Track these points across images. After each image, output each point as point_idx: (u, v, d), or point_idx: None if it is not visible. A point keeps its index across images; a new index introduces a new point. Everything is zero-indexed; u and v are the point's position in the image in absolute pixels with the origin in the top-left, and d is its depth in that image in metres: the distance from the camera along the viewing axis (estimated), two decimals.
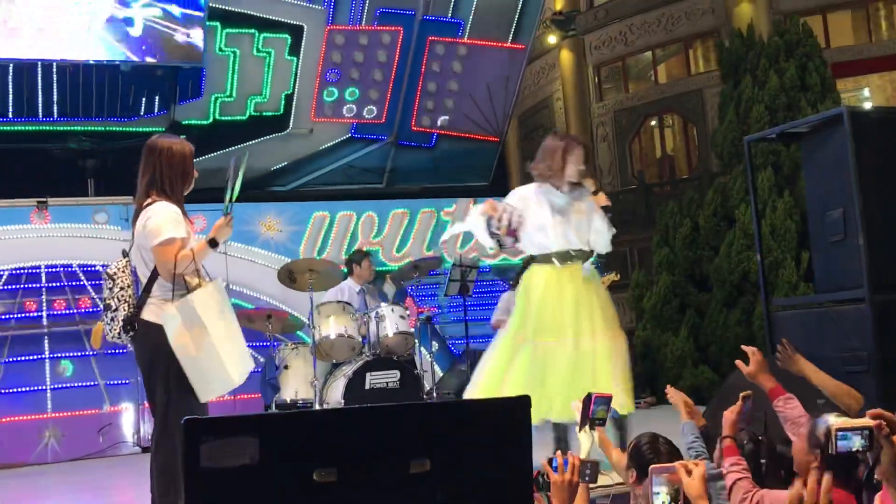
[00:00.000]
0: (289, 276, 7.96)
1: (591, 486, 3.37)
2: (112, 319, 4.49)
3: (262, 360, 8.41)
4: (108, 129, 10.64)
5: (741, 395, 3.75)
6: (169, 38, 10.10)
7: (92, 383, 8.85)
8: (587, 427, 3.76)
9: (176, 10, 10.11)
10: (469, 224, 5.81)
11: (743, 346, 4.26)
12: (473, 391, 5.61)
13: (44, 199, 8.95)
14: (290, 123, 11.45)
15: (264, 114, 11.30)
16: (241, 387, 7.75)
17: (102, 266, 8.47)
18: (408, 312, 8.22)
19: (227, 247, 8.85)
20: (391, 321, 7.93)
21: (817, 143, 6.32)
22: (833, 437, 2.72)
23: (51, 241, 8.93)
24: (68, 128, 10.52)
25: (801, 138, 6.63)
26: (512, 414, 2.03)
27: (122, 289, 4.50)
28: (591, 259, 5.84)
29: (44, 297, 8.85)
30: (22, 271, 8.81)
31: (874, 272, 5.66)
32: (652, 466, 2.94)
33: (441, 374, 9.55)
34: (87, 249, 8.97)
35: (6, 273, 8.76)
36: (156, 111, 10.80)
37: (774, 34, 11.32)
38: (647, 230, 14.95)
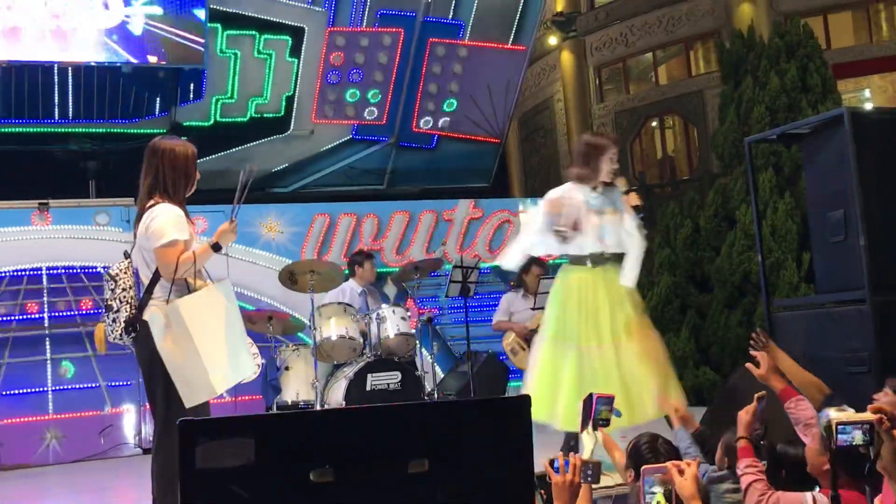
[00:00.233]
0: (290, 278, 7.96)
1: (594, 486, 3.38)
2: (114, 321, 4.49)
3: (263, 361, 8.41)
4: (109, 130, 10.65)
5: (756, 395, 3.74)
6: (170, 39, 10.10)
7: (93, 385, 8.85)
8: (590, 428, 3.76)
9: (177, 12, 10.11)
10: (532, 232, 5.74)
11: (752, 351, 4.26)
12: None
13: (45, 201, 8.95)
14: (291, 125, 11.45)
15: (265, 115, 11.31)
16: (241, 388, 7.78)
17: (104, 267, 8.48)
18: (409, 314, 8.22)
19: (229, 248, 8.82)
20: (392, 322, 7.94)
21: (818, 144, 6.32)
22: (834, 431, 2.74)
23: (52, 242, 8.93)
24: (70, 129, 10.54)
25: (801, 139, 6.63)
26: (512, 414, 2.02)
27: (123, 290, 4.50)
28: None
29: (45, 298, 8.85)
30: (23, 273, 8.81)
31: (875, 273, 5.66)
32: (644, 467, 2.94)
33: (442, 376, 9.55)
34: (88, 251, 8.97)
35: (7, 275, 8.76)
36: (157, 113, 10.81)
37: (775, 35, 11.32)
38: (648, 231, 14.93)
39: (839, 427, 2.74)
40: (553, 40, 21.34)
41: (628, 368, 5.48)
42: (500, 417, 2.02)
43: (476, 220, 10.62)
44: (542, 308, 8.80)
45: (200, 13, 10.19)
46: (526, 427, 2.02)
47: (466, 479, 1.90)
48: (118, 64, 10.08)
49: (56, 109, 10.36)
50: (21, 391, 8.67)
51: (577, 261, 5.72)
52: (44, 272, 8.88)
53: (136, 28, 10.00)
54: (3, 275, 8.76)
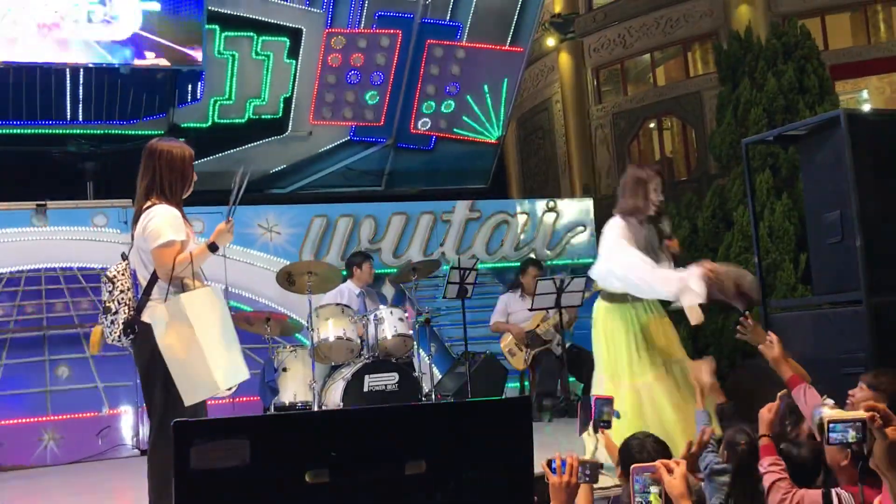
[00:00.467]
0: (287, 279, 7.97)
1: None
2: (112, 322, 4.50)
3: (260, 362, 8.41)
4: (107, 132, 10.65)
5: (779, 394, 3.73)
6: (168, 41, 10.10)
7: (91, 386, 8.85)
8: (591, 430, 3.77)
9: (175, 13, 10.12)
10: (694, 288, 5.57)
11: (760, 347, 4.27)
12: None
13: (43, 202, 8.95)
14: (289, 126, 11.46)
15: (263, 117, 11.31)
16: (239, 389, 7.77)
17: (102, 269, 8.45)
18: (406, 315, 8.23)
19: (226, 249, 8.85)
20: (390, 323, 7.94)
21: (815, 146, 6.34)
22: (826, 428, 2.74)
23: (50, 243, 8.92)
24: (68, 131, 10.54)
25: (798, 140, 6.65)
26: (512, 416, 2.02)
27: (121, 292, 4.50)
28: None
29: (43, 299, 8.85)
30: (21, 274, 8.81)
31: (871, 274, 5.68)
32: (633, 465, 2.94)
33: (440, 377, 9.55)
34: (86, 252, 8.96)
35: (5, 276, 8.76)
36: (155, 114, 10.81)
37: (772, 36, 11.32)
38: None
39: (831, 425, 2.74)
40: (551, 42, 21.34)
41: (681, 392, 5.50)
42: (500, 419, 2.00)
43: (474, 221, 10.63)
44: (540, 309, 8.88)
45: (198, 15, 10.19)
46: (526, 429, 2.01)
47: (464, 482, 1.89)
48: (116, 65, 10.08)
49: (54, 111, 10.36)
50: (18, 392, 8.67)
51: (621, 298, 5.69)
52: (41, 273, 8.87)
53: (135, 30, 10.00)
54: (1, 276, 8.76)
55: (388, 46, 11.59)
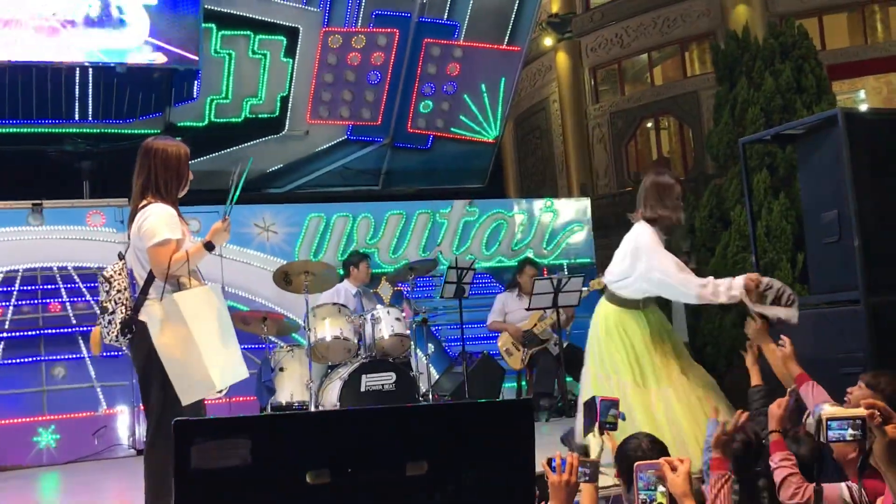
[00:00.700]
0: (284, 279, 7.95)
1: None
2: (109, 322, 4.48)
3: (257, 362, 8.40)
4: (103, 131, 10.62)
5: (788, 389, 3.73)
6: (164, 40, 10.08)
7: (87, 385, 8.83)
8: (596, 431, 3.75)
9: (171, 12, 10.10)
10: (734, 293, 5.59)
11: (772, 346, 4.30)
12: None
13: (39, 202, 8.93)
14: (286, 125, 11.44)
15: (260, 116, 11.29)
16: (236, 389, 7.76)
17: (98, 268, 8.44)
18: (403, 314, 8.22)
19: (223, 249, 8.83)
20: (387, 323, 7.93)
21: (812, 145, 6.33)
22: (824, 426, 2.73)
23: (46, 243, 8.90)
24: (64, 130, 10.51)
25: (796, 140, 6.64)
26: (513, 418, 2.01)
27: (118, 291, 4.49)
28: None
29: (39, 299, 8.83)
30: (17, 273, 8.79)
31: (869, 273, 5.67)
32: (637, 463, 2.94)
33: (437, 377, 9.54)
34: (82, 251, 8.94)
35: (1, 275, 8.74)
36: (151, 113, 10.78)
37: (770, 36, 11.33)
38: None
39: (829, 422, 2.73)
40: (548, 41, 21.35)
41: (699, 401, 5.49)
42: (502, 420, 2.00)
43: (471, 220, 10.61)
44: (537, 309, 8.87)
45: (195, 13, 10.17)
46: (527, 431, 2.00)
47: (466, 483, 1.88)
48: (112, 64, 10.05)
49: (50, 110, 10.34)
50: (15, 392, 8.64)
51: (633, 304, 5.68)
52: (38, 273, 8.85)
53: (131, 28, 9.98)
54: None
55: (385, 45, 11.58)
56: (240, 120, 11.21)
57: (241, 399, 8.41)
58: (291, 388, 7.83)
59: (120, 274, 4.53)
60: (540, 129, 22.76)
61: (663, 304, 6.10)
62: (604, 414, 3.77)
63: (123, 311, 4.45)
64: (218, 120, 11.07)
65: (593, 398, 3.82)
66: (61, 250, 8.92)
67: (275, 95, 11.31)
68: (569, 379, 8.99)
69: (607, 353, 5.71)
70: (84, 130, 10.60)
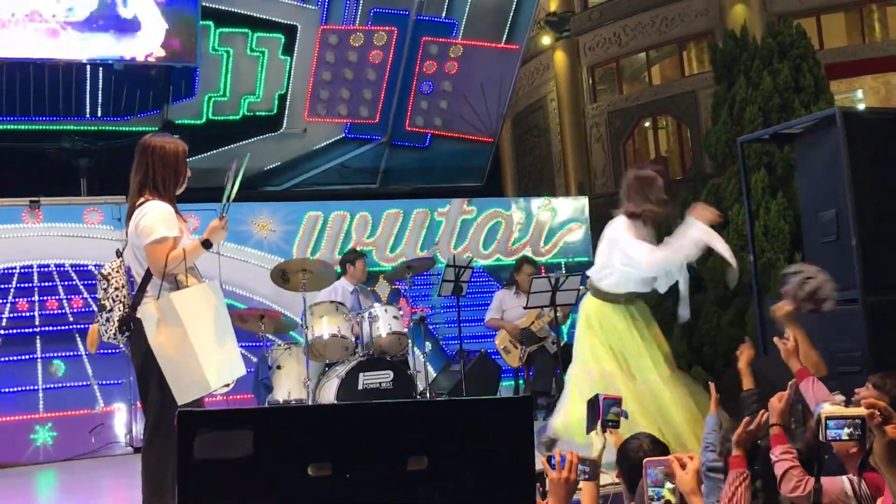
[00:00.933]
0: (282, 276, 7.94)
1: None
2: (107, 320, 4.48)
3: (254, 360, 8.40)
4: (100, 128, 10.62)
5: (789, 383, 3.73)
6: (162, 37, 10.07)
7: (84, 383, 8.82)
8: (598, 429, 3.75)
9: (169, 10, 10.08)
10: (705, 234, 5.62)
11: (776, 340, 4.28)
12: None
13: (36, 199, 8.92)
14: (284, 123, 11.44)
15: (258, 113, 11.28)
16: (233, 387, 7.73)
17: (95, 266, 8.46)
18: (401, 313, 8.21)
19: (220, 247, 8.80)
20: (384, 321, 7.92)
21: (811, 144, 6.33)
22: (823, 425, 2.72)
23: (43, 240, 8.89)
24: (61, 127, 10.50)
25: (794, 139, 6.64)
26: (513, 414, 2.02)
27: (116, 289, 4.48)
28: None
29: (36, 296, 8.82)
30: (14, 271, 8.78)
31: (867, 273, 5.67)
32: (646, 459, 2.93)
33: (434, 375, 9.53)
34: (79, 249, 8.93)
35: None
36: (149, 111, 10.78)
37: (768, 35, 11.33)
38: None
39: (829, 421, 2.73)
40: (546, 40, 21.34)
41: (685, 395, 5.50)
42: (502, 417, 2.01)
43: (469, 219, 10.61)
44: (535, 307, 8.87)
45: (193, 11, 10.16)
46: (527, 428, 2.02)
47: (467, 478, 1.90)
48: (110, 61, 10.04)
49: (47, 107, 10.32)
50: (11, 390, 8.64)
51: (614, 298, 5.68)
52: (34, 270, 8.84)
53: (129, 26, 9.96)
54: None
55: (383, 44, 11.57)
56: (238, 118, 11.20)
57: (238, 397, 8.41)
58: (289, 385, 7.82)
59: (118, 272, 4.53)
60: (538, 128, 22.75)
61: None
62: (606, 412, 3.76)
63: (121, 308, 4.45)
64: (216, 118, 11.07)
65: (596, 396, 3.81)
66: (58, 248, 8.91)
67: (273, 93, 11.30)
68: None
69: (588, 347, 5.74)
70: (82, 128, 10.59)
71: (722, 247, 5.52)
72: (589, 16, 21.34)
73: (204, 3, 10.32)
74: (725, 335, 10.14)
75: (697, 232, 5.50)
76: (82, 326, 8.60)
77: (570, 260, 10.94)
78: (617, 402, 3.84)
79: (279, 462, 1.73)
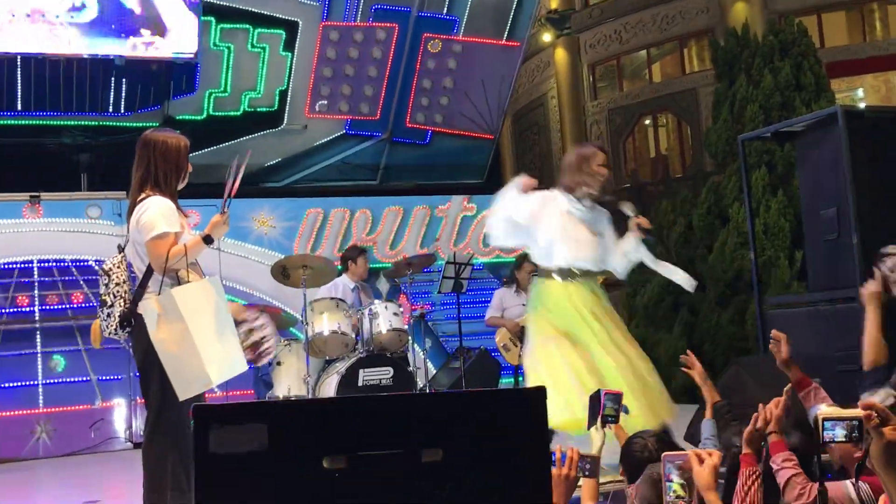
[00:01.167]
0: (282, 273, 7.94)
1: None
2: (108, 315, 4.47)
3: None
4: (101, 123, 10.60)
5: (784, 388, 3.71)
6: (163, 33, 10.06)
7: (84, 378, 8.82)
8: (598, 424, 3.75)
9: (171, 5, 10.08)
10: (505, 201, 5.66)
11: (774, 332, 4.23)
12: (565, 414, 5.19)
13: (37, 194, 8.92)
14: (285, 119, 11.42)
15: (258, 109, 11.27)
16: (233, 383, 7.75)
17: (96, 261, 8.47)
18: (401, 309, 8.21)
19: (221, 242, 8.81)
20: (385, 318, 7.92)
21: (812, 142, 6.34)
22: (821, 426, 2.71)
23: (43, 235, 8.90)
24: (62, 122, 10.49)
25: (795, 137, 6.65)
26: (528, 405, 2.02)
27: (117, 284, 4.48)
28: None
29: (36, 291, 8.82)
30: (14, 266, 8.78)
31: (868, 271, 5.67)
32: (665, 454, 2.92)
33: (434, 372, 9.54)
34: (79, 244, 8.94)
35: None
36: (150, 106, 10.76)
37: (769, 33, 11.33)
38: (659, 247, 14.95)
39: (826, 423, 2.72)
40: (547, 37, 21.33)
41: (636, 370, 5.47)
42: (517, 408, 2.02)
43: (469, 216, 10.60)
44: None
45: (194, 6, 10.15)
46: (541, 419, 2.02)
47: (481, 470, 1.90)
48: (111, 56, 10.03)
49: (48, 102, 10.31)
50: (11, 385, 8.65)
51: (546, 273, 5.66)
52: (35, 265, 8.84)
53: (130, 21, 9.96)
54: None
55: (384, 40, 11.56)
56: (238, 113, 11.19)
57: (238, 392, 8.42)
58: (289, 382, 7.82)
59: (119, 267, 4.53)
60: (538, 126, 22.75)
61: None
62: (606, 407, 3.76)
63: (122, 304, 4.44)
64: (216, 113, 11.05)
65: (598, 392, 3.81)
66: (59, 243, 8.91)
67: (273, 89, 11.29)
68: None
69: (536, 325, 5.68)
70: (82, 123, 10.58)
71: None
72: (590, 13, 21.34)
73: None
74: (725, 333, 10.15)
75: (510, 195, 5.55)
76: (82, 322, 8.60)
77: None
78: (617, 397, 3.84)
79: (294, 455, 1.74)
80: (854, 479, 3.22)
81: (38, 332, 8.77)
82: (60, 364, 8.81)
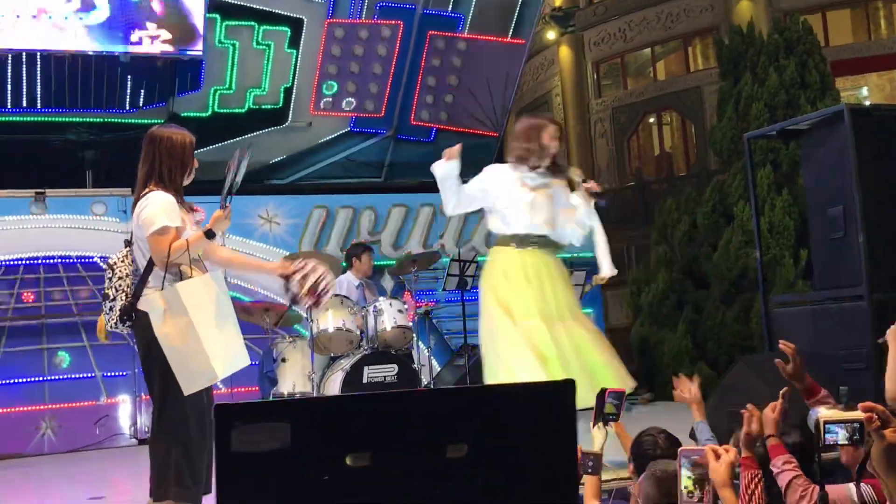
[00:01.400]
0: None
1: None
2: (110, 309, 4.50)
3: (259, 352, 8.41)
4: (106, 120, 10.61)
5: (781, 392, 3.69)
6: (168, 30, 10.07)
7: (89, 375, 8.84)
8: (601, 422, 3.75)
9: (176, 2, 10.08)
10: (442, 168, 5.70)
11: (781, 343, 4.14)
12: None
13: (42, 190, 8.93)
14: (290, 116, 11.42)
15: (263, 107, 11.27)
16: (238, 379, 7.76)
17: (101, 257, 8.48)
18: (406, 307, 8.21)
19: (226, 239, 8.83)
20: (389, 315, 7.93)
21: (818, 141, 6.33)
22: (822, 429, 2.70)
23: (49, 231, 8.91)
24: (67, 119, 10.49)
25: (801, 135, 6.65)
26: (556, 399, 1.99)
27: (120, 279, 4.50)
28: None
29: (41, 288, 8.83)
30: (20, 262, 8.80)
31: (873, 269, 5.67)
32: (681, 448, 2.92)
33: (438, 369, 9.54)
34: (85, 241, 8.95)
35: (3, 264, 8.75)
36: (155, 103, 10.76)
37: (774, 32, 11.31)
38: (644, 227, 14.97)
39: (826, 426, 2.70)
40: (551, 35, 21.33)
41: (582, 346, 5.41)
42: (545, 402, 1.98)
43: (474, 213, 10.58)
44: None
45: (199, 3, 10.16)
46: (570, 412, 1.98)
47: (507, 465, 1.88)
48: (116, 53, 10.04)
49: (53, 98, 10.32)
50: (16, 381, 8.66)
51: (503, 241, 5.61)
52: (40, 261, 8.86)
53: (135, 17, 9.97)
54: (0, 264, 8.75)
55: (389, 37, 11.56)
56: (243, 111, 11.19)
57: (243, 389, 8.42)
58: (293, 378, 7.83)
59: (123, 261, 4.55)
60: None
61: None
62: (607, 405, 3.76)
63: (123, 298, 4.46)
64: (221, 110, 11.06)
65: (603, 390, 3.81)
66: (64, 239, 8.93)
67: (278, 86, 11.29)
68: None
69: (485, 298, 5.61)
70: (87, 120, 10.58)
71: None
72: (594, 11, 21.33)
73: None
74: (730, 331, 10.15)
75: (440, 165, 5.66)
76: (87, 318, 8.61)
77: (576, 255, 10.93)
78: (619, 395, 3.84)
79: (317, 453, 1.72)
80: (856, 482, 3.21)
81: (43, 329, 8.79)
82: (65, 360, 8.82)
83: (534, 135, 5.60)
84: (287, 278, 4.62)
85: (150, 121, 9.91)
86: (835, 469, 3.48)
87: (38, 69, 10.12)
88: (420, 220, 10.39)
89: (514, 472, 1.88)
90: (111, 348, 8.28)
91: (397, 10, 11.53)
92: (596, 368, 5.37)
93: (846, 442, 2.70)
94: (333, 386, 7.66)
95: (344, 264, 8.82)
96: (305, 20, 11.19)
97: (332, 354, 8.05)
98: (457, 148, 5.61)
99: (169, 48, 10.13)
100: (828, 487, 3.19)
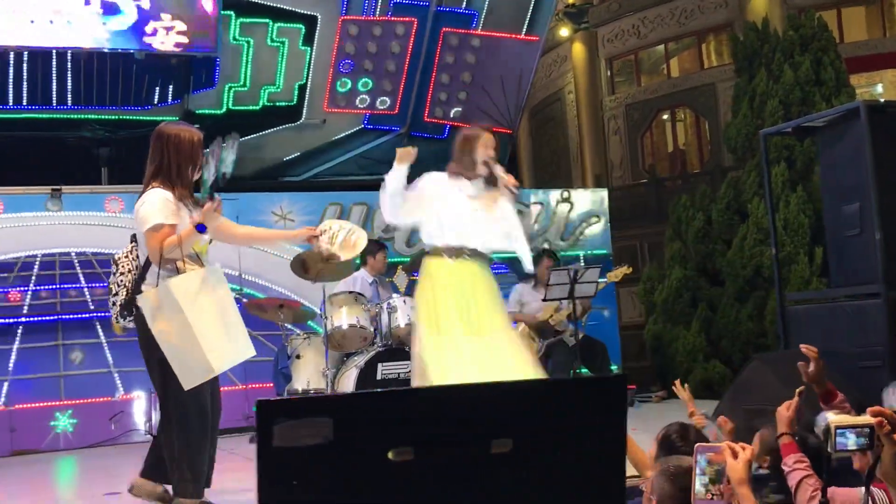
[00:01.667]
0: (301, 266, 7.94)
1: None
2: (114, 304, 4.56)
3: (273, 349, 8.43)
4: (121, 117, 10.66)
5: (797, 390, 3.67)
6: (183, 27, 10.09)
7: (104, 371, 8.88)
8: None
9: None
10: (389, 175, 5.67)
11: (804, 347, 4.09)
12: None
13: (58, 187, 8.97)
14: (304, 114, 11.44)
15: (278, 104, 11.30)
16: (252, 376, 7.77)
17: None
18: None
19: None
20: (403, 312, 7.93)
21: (833, 137, 6.31)
22: (833, 434, 2.68)
23: (64, 228, 8.94)
24: (82, 116, 10.54)
25: (816, 132, 6.63)
26: (606, 394, 1.95)
27: (122, 274, 4.56)
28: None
29: (57, 284, 8.87)
30: (35, 259, 8.83)
31: (890, 267, 5.65)
32: (697, 445, 2.91)
33: None
34: (100, 237, 8.98)
35: (20, 260, 8.78)
36: (169, 100, 10.81)
37: (789, 28, 11.28)
38: (658, 224, 14.94)
39: (838, 431, 2.68)
40: (565, 32, 21.29)
41: (507, 360, 5.36)
42: (593, 397, 1.94)
43: None
44: (553, 300, 8.87)
45: (214, 0, 10.18)
46: (620, 408, 1.95)
47: (553, 461, 1.85)
48: (131, 51, 10.07)
49: (69, 96, 10.37)
50: (32, 376, 8.70)
51: (436, 252, 5.55)
52: (56, 258, 8.89)
53: (150, 15, 9.99)
54: (16, 260, 8.78)
55: (403, 34, 11.56)
56: (258, 108, 11.22)
57: (257, 385, 8.45)
58: (308, 375, 7.85)
59: (127, 257, 4.61)
60: (555, 120, 22.71)
61: None
62: None
63: (124, 293, 4.51)
64: (236, 108, 11.09)
65: None
66: (79, 236, 8.96)
67: (293, 84, 11.31)
68: (584, 370, 8.99)
69: (419, 310, 5.54)
70: (102, 117, 10.63)
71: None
72: (607, 7, 21.27)
73: None
74: (744, 329, 10.12)
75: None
76: (103, 314, 8.65)
77: (589, 252, 10.92)
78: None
79: (359, 448, 1.71)
80: (865, 487, 3.20)
81: (58, 325, 8.83)
82: (81, 356, 8.86)
83: (467, 147, 5.55)
84: (315, 239, 4.94)
85: (164, 118, 9.90)
86: (850, 473, 3.47)
87: (54, 66, 10.16)
88: None
89: (561, 469, 1.85)
90: (126, 344, 8.27)
91: (411, 7, 11.54)
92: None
93: (856, 447, 2.67)
94: (348, 382, 7.68)
95: (358, 262, 8.82)
96: (319, 17, 11.21)
97: (346, 351, 8.07)
98: (412, 150, 5.56)
99: (184, 39, 10.12)
100: (840, 491, 3.18)
